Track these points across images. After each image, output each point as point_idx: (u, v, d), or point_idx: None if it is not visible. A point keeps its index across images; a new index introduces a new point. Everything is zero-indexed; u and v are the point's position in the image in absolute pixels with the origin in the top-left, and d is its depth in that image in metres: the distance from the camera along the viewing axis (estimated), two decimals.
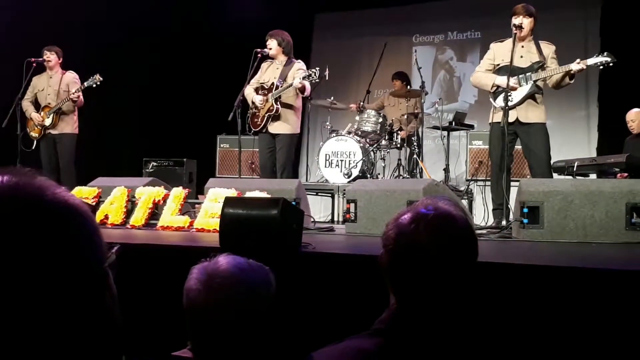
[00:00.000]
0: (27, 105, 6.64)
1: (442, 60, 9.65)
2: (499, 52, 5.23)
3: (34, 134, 6.60)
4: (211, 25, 9.22)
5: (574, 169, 5.88)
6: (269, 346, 1.74)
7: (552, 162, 5.21)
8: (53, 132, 6.54)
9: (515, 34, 5.00)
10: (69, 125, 6.56)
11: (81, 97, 6.50)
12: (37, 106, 6.71)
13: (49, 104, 6.55)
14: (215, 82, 8.65)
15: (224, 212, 3.04)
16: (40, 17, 8.32)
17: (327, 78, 6.77)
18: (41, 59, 6.58)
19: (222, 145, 8.32)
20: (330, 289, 2.64)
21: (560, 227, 3.81)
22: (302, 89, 5.65)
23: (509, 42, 5.10)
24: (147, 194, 4.88)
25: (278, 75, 5.75)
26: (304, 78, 5.51)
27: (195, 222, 4.49)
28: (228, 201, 3.13)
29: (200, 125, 8.73)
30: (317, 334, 2.30)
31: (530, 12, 5.06)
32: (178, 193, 4.81)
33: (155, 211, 4.87)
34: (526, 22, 5.04)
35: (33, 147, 6.54)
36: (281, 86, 5.67)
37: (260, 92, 5.90)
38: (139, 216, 4.76)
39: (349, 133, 7.37)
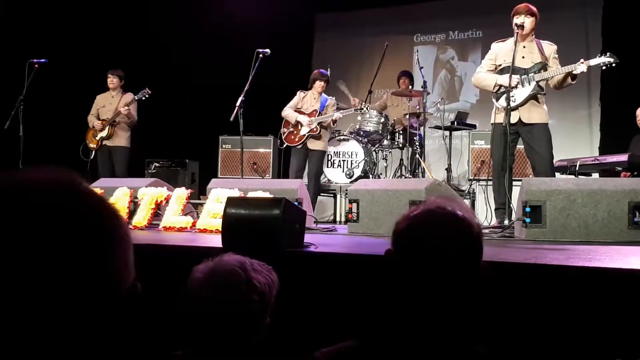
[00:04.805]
0: (91, 119, 7.39)
1: (444, 59, 9.65)
2: (501, 52, 5.22)
3: (92, 145, 7.30)
4: (212, 25, 9.22)
5: (576, 168, 5.88)
6: (271, 344, 1.75)
7: (554, 161, 5.20)
8: (108, 143, 7.24)
9: (517, 33, 4.99)
10: (123, 139, 7.27)
11: (131, 113, 7.17)
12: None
13: (107, 118, 7.25)
14: (217, 82, 8.64)
15: (227, 212, 3.04)
16: (40, 18, 8.35)
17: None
18: (41, 60, 6.84)
19: (224, 146, 8.32)
20: (332, 288, 2.64)
21: (563, 227, 3.81)
22: (334, 121, 6.81)
23: (510, 42, 5.09)
24: (149, 194, 4.88)
25: (319, 105, 6.83)
26: (356, 109, 6.98)
27: (197, 222, 4.49)
28: (230, 201, 3.13)
29: (203, 126, 8.73)
30: (319, 333, 2.30)
31: (532, 11, 5.06)
32: (180, 194, 4.82)
33: (158, 212, 4.88)
34: (528, 22, 5.03)
35: (91, 157, 7.22)
36: (322, 113, 6.81)
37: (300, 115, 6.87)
38: (141, 217, 4.77)
39: (351, 133, 7.38)
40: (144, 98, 7.13)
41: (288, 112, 6.88)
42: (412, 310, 1.37)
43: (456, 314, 1.36)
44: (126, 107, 7.10)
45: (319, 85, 6.86)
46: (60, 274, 0.68)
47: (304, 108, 6.87)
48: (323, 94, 6.91)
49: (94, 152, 7.27)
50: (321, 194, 7.70)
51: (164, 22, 9.04)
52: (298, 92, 6.97)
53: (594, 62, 4.85)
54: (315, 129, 6.73)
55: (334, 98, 7.03)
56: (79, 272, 0.70)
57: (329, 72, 7.02)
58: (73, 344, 0.70)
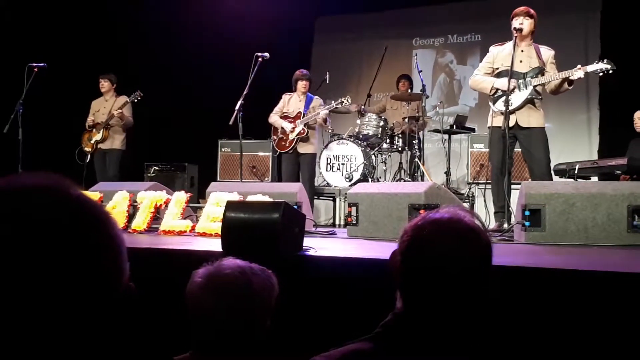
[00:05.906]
0: (89, 121, 7.47)
1: (442, 63, 9.66)
2: (499, 55, 5.22)
3: (87, 149, 7.42)
4: (212, 28, 9.22)
5: (575, 172, 5.88)
6: (271, 348, 1.74)
7: (553, 165, 5.21)
8: (103, 147, 7.33)
9: (516, 37, 5.00)
10: (118, 142, 7.35)
11: (125, 115, 7.22)
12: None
13: (102, 122, 7.35)
14: (216, 86, 8.65)
15: (226, 216, 3.04)
16: (40, 22, 8.35)
17: (327, 82, 6.95)
18: (40, 64, 6.85)
19: (223, 150, 8.32)
20: (331, 292, 2.64)
21: (562, 230, 3.80)
22: (325, 119, 6.79)
23: (508, 45, 5.10)
24: (148, 198, 4.87)
25: (303, 106, 6.80)
26: (337, 104, 6.76)
27: (197, 226, 4.48)
28: (230, 205, 3.13)
29: (202, 130, 8.73)
30: (319, 337, 2.30)
31: (530, 13, 5.07)
32: (180, 197, 4.81)
33: (157, 215, 4.87)
34: (527, 24, 5.04)
35: (87, 161, 7.33)
36: (308, 114, 6.76)
37: (285, 119, 6.84)
38: (140, 221, 4.76)
39: (350, 137, 7.38)
40: (136, 100, 7.24)
41: (275, 119, 6.91)
42: (416, 316, 1.37)
43: (459, 321, 1.36)
44: (119, 110, 7.16)
45: (301, 85, 6.84)
46: (50, 277, 0.69)
47: (289, 111, 6.87)
48: (308, 94, 6.90)
49: (89, 155, 7.36)
50: (320, 197, 7.71)
51: (163, 25, 9.04)
52: (282, 96, 6.98)
53: (590, 68, 4.86)
54: (302, 131, 6.71)
55: (319, 98, 7.00)
56: (70, 274, 0.70)
57: (327, 77, 7.02)
58: (66, 345, 0.70)
